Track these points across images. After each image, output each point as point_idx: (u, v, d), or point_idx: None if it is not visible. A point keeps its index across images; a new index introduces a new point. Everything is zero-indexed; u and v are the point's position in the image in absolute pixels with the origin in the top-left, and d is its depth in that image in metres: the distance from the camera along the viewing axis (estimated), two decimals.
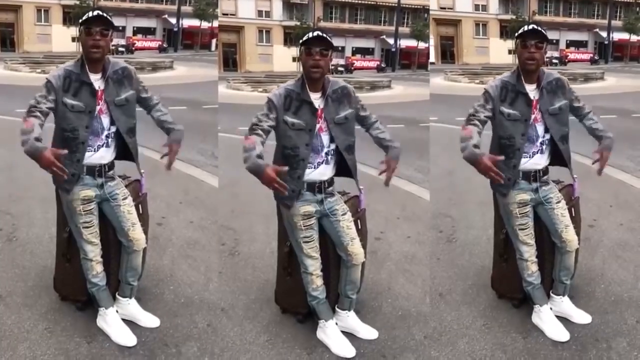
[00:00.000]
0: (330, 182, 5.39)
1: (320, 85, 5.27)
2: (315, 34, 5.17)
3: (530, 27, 5.35)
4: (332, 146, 5.33)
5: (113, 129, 5.32)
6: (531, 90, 5.42)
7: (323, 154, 5.30)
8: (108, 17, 5.17)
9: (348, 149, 5.36)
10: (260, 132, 5.07)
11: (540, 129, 5.47)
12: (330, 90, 5.30)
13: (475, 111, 5.38)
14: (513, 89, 5.40)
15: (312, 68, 5.17)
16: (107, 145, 5.32)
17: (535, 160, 5.50)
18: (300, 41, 5.21)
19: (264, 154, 4.81)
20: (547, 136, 5.50)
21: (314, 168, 5.29)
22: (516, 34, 5.38)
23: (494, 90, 5.39)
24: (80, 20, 5.18)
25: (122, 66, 5.38)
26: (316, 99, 5.25)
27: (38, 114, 4.96)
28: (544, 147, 5.51)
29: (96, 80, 5.19)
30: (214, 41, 44.66)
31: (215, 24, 44.35)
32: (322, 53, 5.15)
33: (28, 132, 4.74)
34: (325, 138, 5.29)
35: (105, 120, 5.27)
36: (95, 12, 5.15)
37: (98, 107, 5.20)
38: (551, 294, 5.80)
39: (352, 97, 5.41)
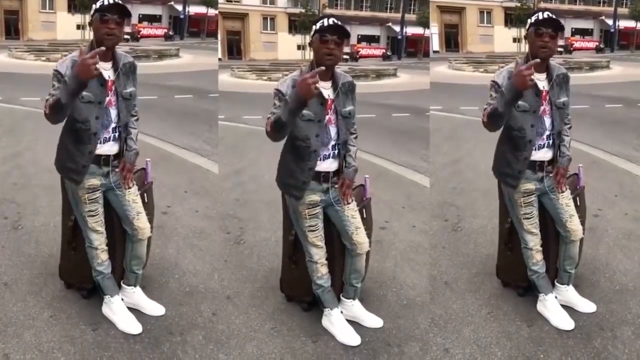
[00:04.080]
0: (336, 172, 5.35)
1: (330, 75, 5.20)
2: (330, 21, 5.06)
3: (545, 14, 5.25)
4: (339, 140, 5.29)
5: (120, 123, 5.28)
6: (541, 80, 5.35)
7: (330, 147, 5.25)
8: (124, 4, 5.08)
9: (344, 144, 5.35)
10: None
11: (547, 121, 5.42)
12: (341, 83, 5.25)
13: (489, 104, 5.33)
14: None
15: (327, 56, 5.05)
16: (115, 139, 5.27)
17: (541, 154, 5.46)
18: (315, 28, 5.09)
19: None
20: (555, 131, 5.45)
21: (322, 160, 5.24)
22: (530, 21, 5.29)
23: (502, 81, 5.27)
24: (95, 7, 5.07)
25: (130, 60, 5.34)
26: (326, 88, 5.18)
27: None
28: (550, 141, 5.46)
29: (105, 70, 5.12)
30: None
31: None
32: (336, 42, 5.05)
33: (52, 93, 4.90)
34: (333, 130, 5.24)
35: (114, 112, 5.22)
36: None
37: (108, 98, 5.16)
38: (556, 283, 5.80)
39: (354, 94, 5.39)
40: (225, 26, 44.33)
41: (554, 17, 5.24)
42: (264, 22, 46.26)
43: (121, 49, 5.33)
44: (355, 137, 5.44)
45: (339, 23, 5.07)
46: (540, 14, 5.28)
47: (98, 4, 5.05)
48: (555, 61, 5.47)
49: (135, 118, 5.47)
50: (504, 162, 5.50)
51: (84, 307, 5.64)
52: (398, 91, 24.51)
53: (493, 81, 5.35)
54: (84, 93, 5.02)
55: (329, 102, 5.19)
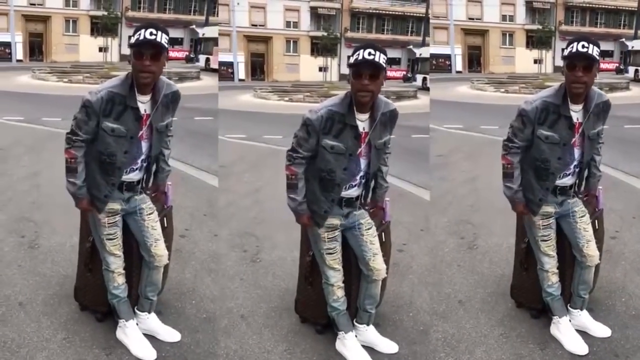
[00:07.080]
0: (357, 197, 5.25)
1: (369, 106, 5.00)
2: (366, 53, 4.76)
3: (580, 46, 4.94)
4: (369, 170, 5.18)
5: (151, 154, 5.23)
6: (576, 111, 5.18)
7: (358, 178, 5.15)
8: (162, 38, 4.86)
9: (375, 175, 5.28)
10: (301, 161, 5.02)
11: (577, 153, 5.27)
12: (380, 113, 5.03)
13: (513, 135, 5.24)
14: (555, 111, 5.14)
15: (360, 92, 4.87)
16: (141, 169, 5.24)
17: (564, 180, 5.36)
18: (348, 63, 4.88)
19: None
20: (584, 160, 5.35)
21: (345, 189, 5.13)
22: (562, 55, 5.08)
23: (533, 113, 5.14)
24: (129, 42, 4.92)
25: (173, 90, 5.20)
26: (362, 120, 5.00)
27: (80, 144, 4.97)
28: (576, 170, 5.37)
29: (143, 103, 5.02)
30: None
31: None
32: (371, 76, 4.84)
33: (73, 172, 4.98)
34: (363, 163, 5.11)
35: (145, 145, 5.14)
36: (148, 32, 4.81)
37: (141, 132, 5.06)
38: (569, 307, 5.70)
39: (395, 122, 5.21)
40: (249, 48, 44.51)
41: (587, 50, 4.96)
42: (287, 45, 46.38)
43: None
44: (388, 155, 5.38)
45: (374, 55, 4.78)
46: (574, 44, 4.99)
47: (133, 39, 4.87)
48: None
49: (169, 138, 5.45)
50: (528, 187, 5.35)
51: (98, 331, 5.60)
52: (418, 112, 24.46)
53: (522, 109, 5.21)
54: (114, 126, 4.95)
55: (363, 135, 5.03)
